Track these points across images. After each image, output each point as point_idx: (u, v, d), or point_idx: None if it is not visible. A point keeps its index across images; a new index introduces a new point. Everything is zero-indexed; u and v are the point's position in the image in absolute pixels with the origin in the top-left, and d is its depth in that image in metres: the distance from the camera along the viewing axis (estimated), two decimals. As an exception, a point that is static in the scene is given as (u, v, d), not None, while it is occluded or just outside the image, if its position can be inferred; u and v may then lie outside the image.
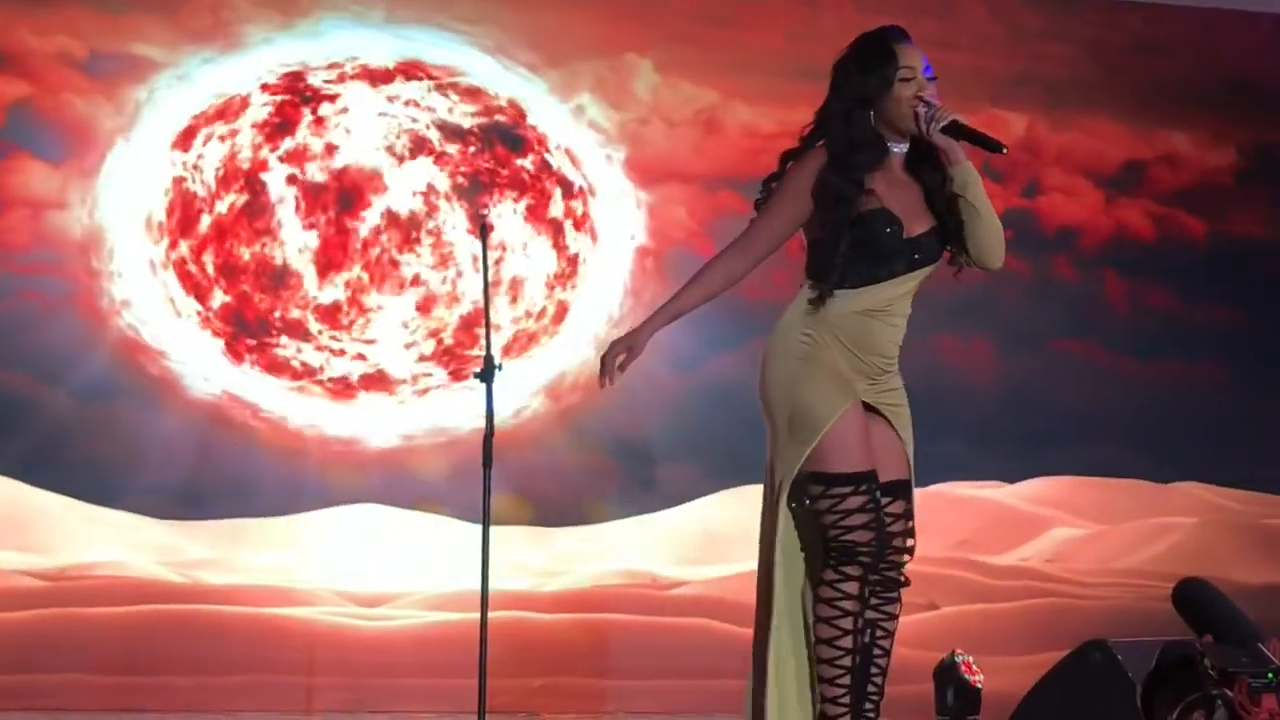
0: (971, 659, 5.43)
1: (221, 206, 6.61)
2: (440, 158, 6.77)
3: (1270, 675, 3.69)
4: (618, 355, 4.18)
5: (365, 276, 6.69)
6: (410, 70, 6.78)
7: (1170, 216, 7.31)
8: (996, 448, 6.95)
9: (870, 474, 4.09)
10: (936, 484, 6.89)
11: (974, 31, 7.15)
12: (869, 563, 4.09)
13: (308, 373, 6.64)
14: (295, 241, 6.65)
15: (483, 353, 5.09)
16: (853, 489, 4.08)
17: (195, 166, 6.60)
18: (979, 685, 5.37)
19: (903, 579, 4.16)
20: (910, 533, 4.19)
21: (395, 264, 6.70)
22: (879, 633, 4.14)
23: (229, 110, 6.62)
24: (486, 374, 5.07)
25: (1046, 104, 7.22)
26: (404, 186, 6.75)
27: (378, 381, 6.69)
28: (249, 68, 6.64)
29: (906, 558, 4.18)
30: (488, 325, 5.16)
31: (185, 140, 6.60)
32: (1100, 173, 7.27)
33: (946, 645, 5.50)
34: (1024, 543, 7.07)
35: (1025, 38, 7.23)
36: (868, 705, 4.12)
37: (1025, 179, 7.24)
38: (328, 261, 6.66)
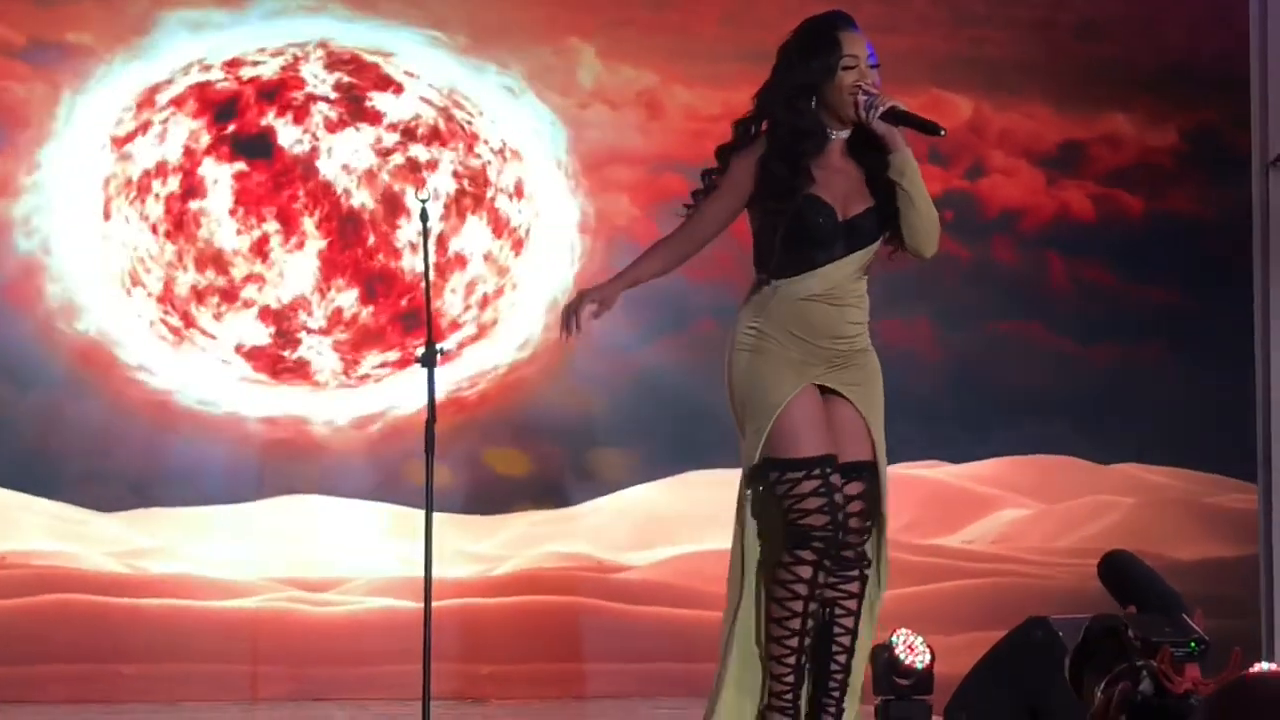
0: (918, 639, 5.46)
1: (161, 191, 6.58)
2: (378, 142, 6.75)
3: (1192, 645, 3.74)
4: (589, 306, 4.20)
5: (312, 260, 6.67)
6: (341, 56, 6.75)
7: (1110, 196, 7.34)
8: (939, 429, 6.97)
9: (824, 458, 4.12)
10: (897, 463, 6.93)
11: (916, 14, 7.17)
12: (822, 548, 4.11)
13: (250, 359, 6.62)
14: (236, 226, 6.62)
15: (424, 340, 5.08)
16: (805, 474, 4.11)
17: (133, 154, 6.57)
18: (915, 665, 5.39)
19: (858, 557, 4.19)
20: (866, 514, 4.22)
21: (345, 248, 6.68)
22: (839, 611, 4.18)
23: (165, 97, 6.59)
24: (428, 359, 5.07)
25: (989, 86, 7.25)
26: (343, 172, 6.72)
27: (319, 368, 6.67)
28: (183, 54, 6.60)
29: (865, 538, 4.21)
30: (429, 310, 5.15)
31: (123, 126, 6.56)
32: (1041, 154, 7.30)
33: (891, 627, 5.52)
34: (969, 523, 7.11)
35: (968, 21, 7.25)
36: (831, 684, 4.15)
37: (968, 161, 7.27)
38: (272, 245, 6.64)
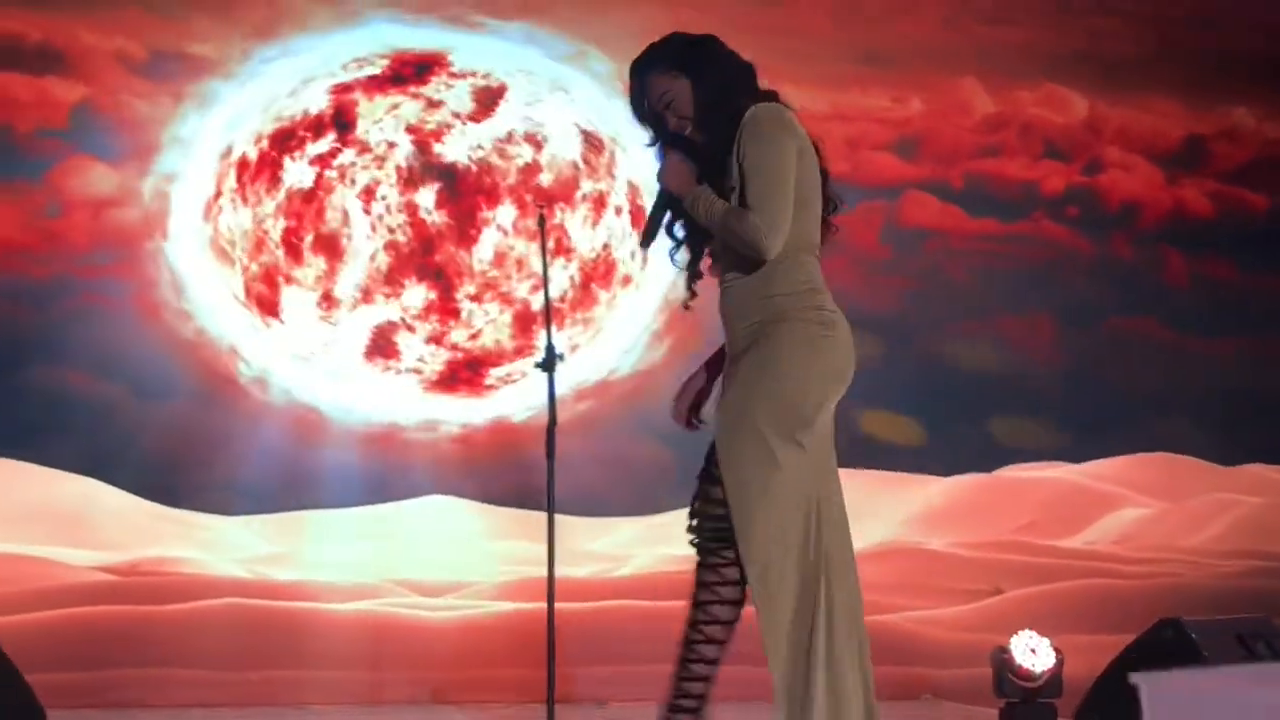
0: (1043, 641, 5.41)
1: (282, 201, 6.64)
2: (502, 154, 6.78)
3: None
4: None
5: (433, 271, 6.71)
6: (443, 63, 6.79)
7: (1230, 192, 7.25)
8: (1059, 428, 6.91)
9: (709, 451, 4.14)
10: (1000, 467, 6.87)
11: (1028, 6, 7.11)
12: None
13: (375, 364, 6.67)
14: (360, 235, 6.68)
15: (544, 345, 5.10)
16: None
17: (254, 164, 6.63)
18: (1037, 669, 5.35)
19: (702, 544, 4.10)
20: (696, 495, 4.13)
21: (470, 256, 6.72)
22: (701, 604, 4.15)
23: (287, 108, 6.65)
24: (548, 363, 5.09)
25: (1104, 80, 7.18)
26: (464, 180, 6.76)
27: (442, 372, 6.71)
28: (304, 64, 6.67)
29: (694, 522, 4.13)
30: (548, 315, 5.17)
31: (246, 136, 6.63)
32: (1160, 149, 7.22)
33: (1012, 630, 5.48)
34: (1090, 524, 7.04)
35: (1080, 13, 7.18)
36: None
37: (1085, 157, 7.20)
38: (395, 253, 6.69)
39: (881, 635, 6.53)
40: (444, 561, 6.66)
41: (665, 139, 4.12)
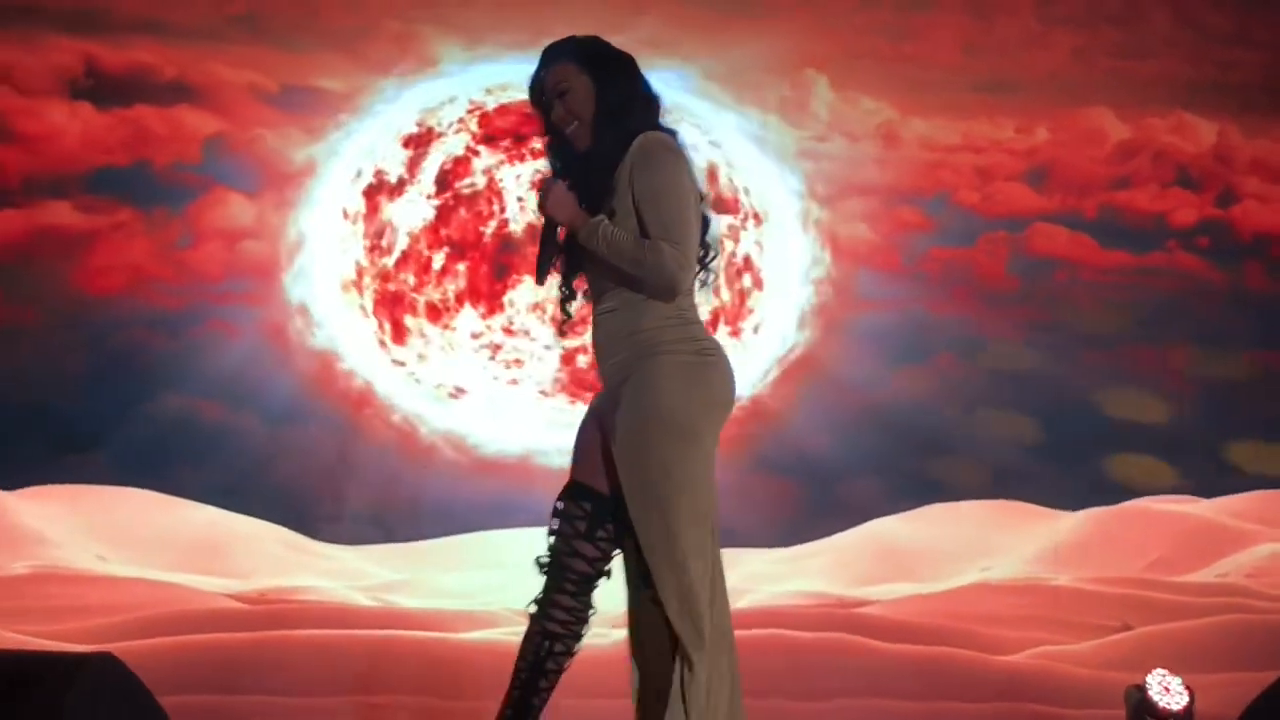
0: (1175, 680, 5.31)
1: (414, 230, 6.70)
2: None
3: None
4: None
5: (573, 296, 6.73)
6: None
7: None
8: (1189, 461, 6.79)
9: (569, 485, 4.06)
10: (1128, 501, 6.77)
11: (1159, 39, 7.02)
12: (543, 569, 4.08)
13: (496, 391, 6.70)
14: (482, 261, 6.72)
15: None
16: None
17: (386, 195, 6.70)
18: (1173, 708, 5.25)
19: (565, 590, 4.05)
20: (563, 533, 4.05)
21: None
22: (555, 647, 4.09)
23: (418, 138, 6.71)
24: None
25: (1237, 110, 7.06)
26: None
27: (563, 402, 6.72)
28: (431, 95, 6.73)
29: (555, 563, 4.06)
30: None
31: (375, 168, 6.70)
32: (1296, 178, 7.09)
33: (1141, 667, 5.38)
34: (1222, 558, 6.90)
35: (1213, 42, 7.08)
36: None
37: (1218, 187, 7.08)
38: (512, 281, 6.72)
39: (1011, 672, 6.44)
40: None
41: (549, 131, 4.08)
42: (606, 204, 3.93)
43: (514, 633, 6.61)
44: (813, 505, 6.73)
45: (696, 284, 4.04)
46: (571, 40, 4.10)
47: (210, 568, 6.54)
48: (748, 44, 6.84)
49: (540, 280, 4.02)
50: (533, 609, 4.06)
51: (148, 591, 6.44)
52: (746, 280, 6.85)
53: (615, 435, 3.88)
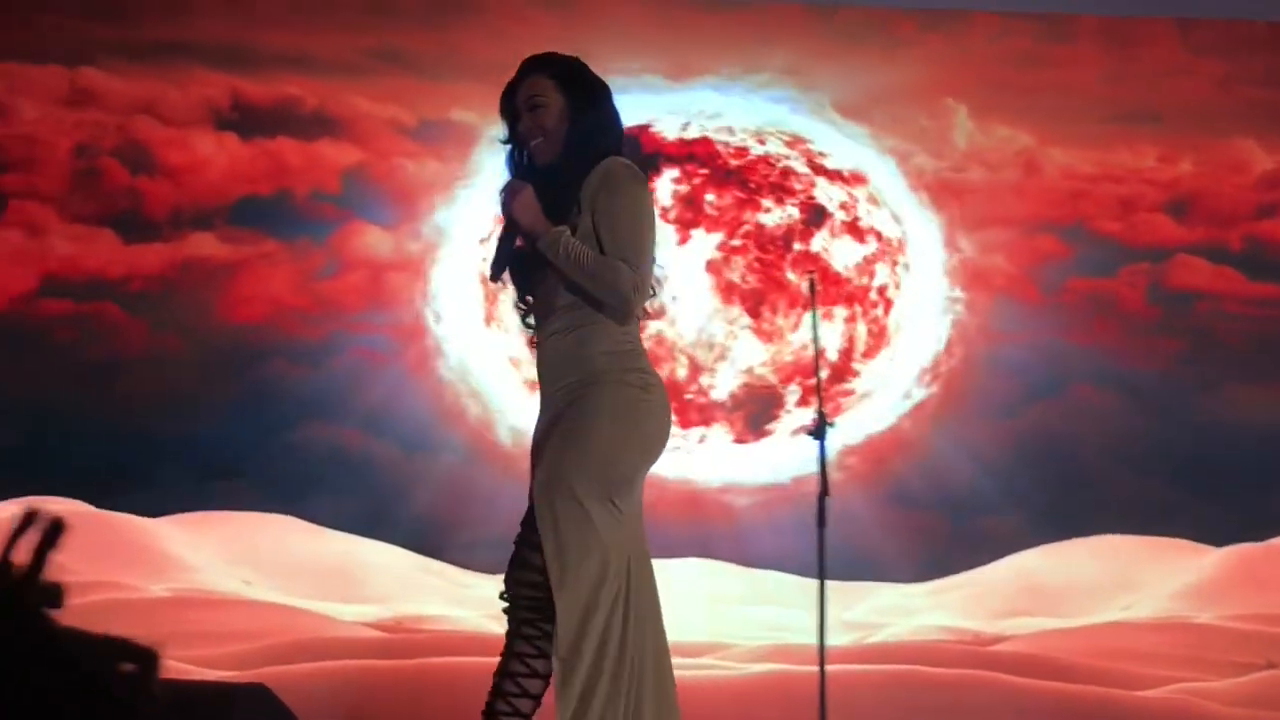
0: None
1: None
2: (767, 211, 6.80)
3: None
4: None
5: (718, 326, 6.74)
6: (715, 126, 6.83)
7: None
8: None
9: (526, 513, 4.04)
10: (1275, 539, 6.64)
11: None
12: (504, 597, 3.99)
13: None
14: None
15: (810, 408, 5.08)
16: None
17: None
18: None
19: (515, 613, 4.01)
20: (513, 561, 4.01)
21: (743, 313, 6.74)
22: (510, 674, 4.05)
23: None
24: (819, 432, 5.06)
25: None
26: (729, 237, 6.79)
27: (709, 433, 6.72)
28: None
29: (508, 591, 4.02)
30: (819, 382, 5.14)
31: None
32: None
33: (1286, 704, 5.28)
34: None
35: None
36: None
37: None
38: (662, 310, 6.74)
39: (1152, 708, 6.34)
40: (702, 623, 6.66)
41: (510, 140, 4.05)
42: (565, 222, 3.90)
43: (648, 663, 6.60)
44: (950, 538, 6.67)
45: (641, 321, 4.07)
46: (553, 56, 4.14)
47: (348, 594, 6.60)
48: (884, 73, 6.82)
49: (495, 276, 4.06)
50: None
51: (288, 618, 6.51)
52: (882, 311, 6.82)
53: (542, 455, 3.87)
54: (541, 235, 3.96)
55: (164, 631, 6.35)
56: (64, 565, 6.06)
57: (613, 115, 4.11)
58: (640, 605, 4.00)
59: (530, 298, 4.10)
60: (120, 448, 6.45)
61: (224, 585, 6.51)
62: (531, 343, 4.18)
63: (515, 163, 4.08)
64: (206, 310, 6.58)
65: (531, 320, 4.13)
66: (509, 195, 3.99)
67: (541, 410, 4.08)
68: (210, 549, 6.53)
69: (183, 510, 6.50)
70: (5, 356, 6.47)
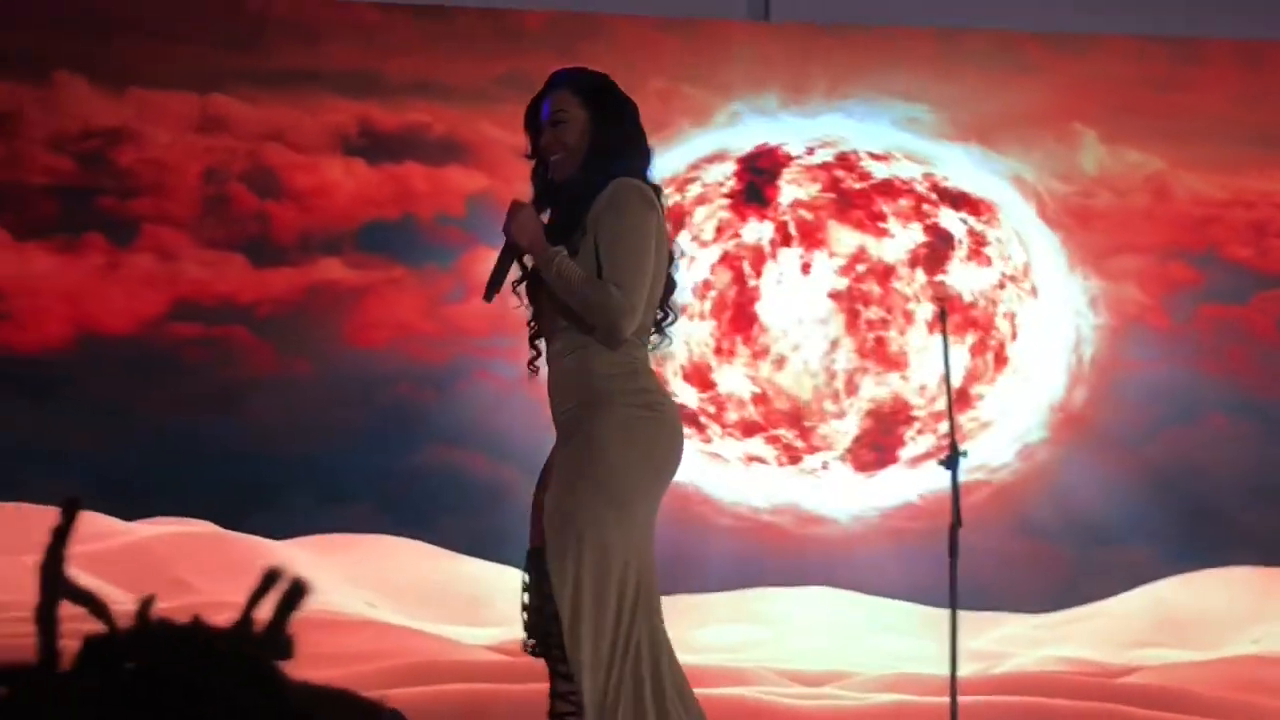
0: None
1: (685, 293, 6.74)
2: (892, 232, 6.77)
3: None
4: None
5: (844, 355, 6.71)
6: (842, 156, 6.81)
7: None
8: None
9: (530, 550, 3.98)
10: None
11: None
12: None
13: (764, 446, 6.69)
14: (777, 322, 6.73)
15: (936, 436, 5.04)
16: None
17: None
18: None
19: (546, 655, 3.93)
20: (528, 608, 3.94)
21: (880, 340, 6.70)
22: (559, 715, 3.98)
23: (683, 202, 6.76)
24: (951, 461, 5.03)
25: None
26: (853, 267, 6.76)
27: (826, 459, 6.69)
28: (691, 153, 6.77)
29: (531, 640, 3.95)
30: (950, 412, 5.11)
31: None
32: None
33: None
34: None
35: None
36: None
37: None
38: (788, 339, 6.72)
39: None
40: (823, 651, 6.62)
41: (534, 155, 4.01)
42: (572, 240, 3.85)
43: (769, 691, 6.60)
44: (1077, 568, 6.59)
45: (649, 343, 4.03)
46: (579, 71, 4.12)
47: (471, 618, 6.63)
48: (1011, 97, 6.76)
49: (489, 296, 4.06)
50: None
51: (410, 640, 6.56)
52: (1010, 338, 6.75)
53: (549, 486, 3.84)
54: (537, 255, 3.94)
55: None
56: (192, 585, 6.15)
57: (637, 136, 4.08)
58: (654, 626, 4.00)
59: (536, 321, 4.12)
60: (248, 470, 6.53)
61: (348, 607, 6.56)
62: (530, 364, 4.19)
63: (540, 178, 4.08)
64: (333, 334, 6.65)
65: (541, 344, 4.14)
66: (508, 217, 3.99)
67: (558, 434, 4.09)
68: (334, 571, 6.59)
69: (308, 533, 6.57)
70: (136, 379, 6.57)
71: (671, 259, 4.08)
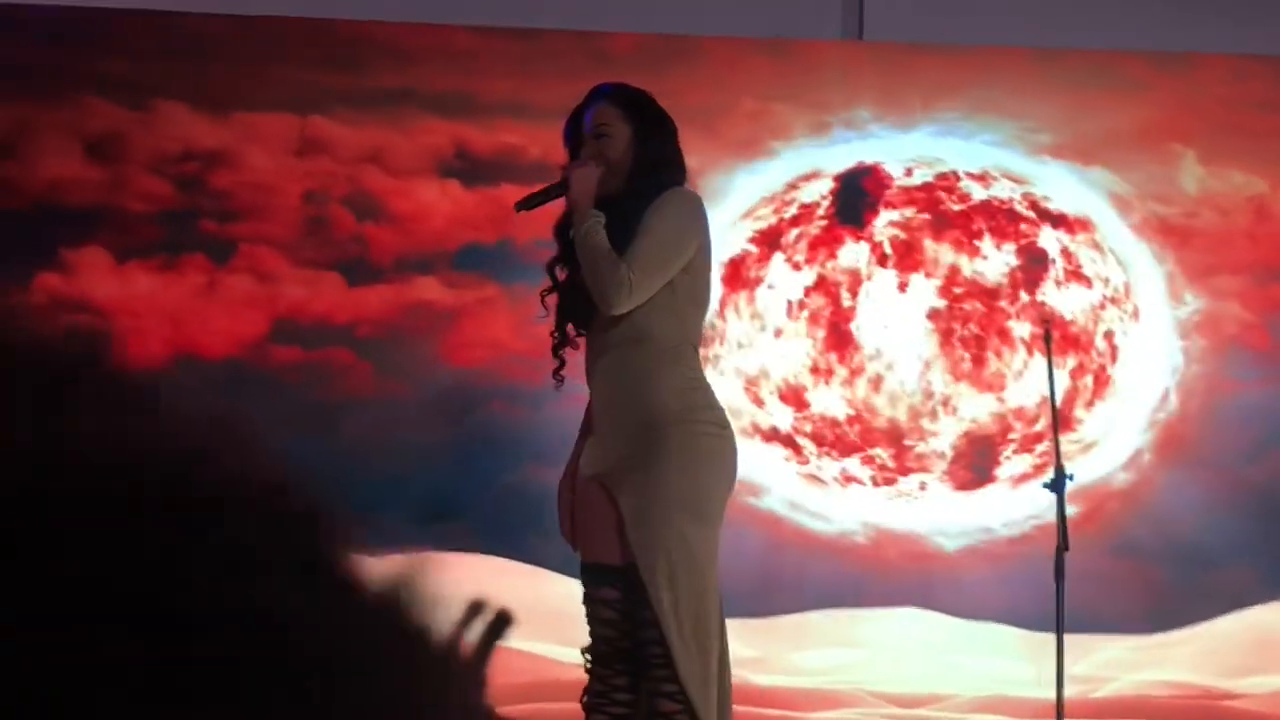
0: None
1: (766, 307, 6.74)
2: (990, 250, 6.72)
3: None
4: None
5: (935, 374, 6.68)
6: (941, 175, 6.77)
7: None
8: None
9: (589, 568, 3.94)
10: None
11: None
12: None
13: (861, 466, 6.66)
14: (862, 340, 6.71)
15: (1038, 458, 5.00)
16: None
17: (759, 270, 6.75)
18: None
19: (599, 675, 3.90)
20: (600, 621, 3.92)
21: (977, 360, 6.66)
22: None
23: (764, 216, 6.75)
24: (1057, 484, 4.98)
25: None
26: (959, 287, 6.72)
27: (924, 480, 6.65)
28: (782, 176, 6.76)
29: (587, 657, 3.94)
30: (1056, 435, 5.06)
31: (724, 248, 6.76)
32: None
33: None
34: None
35: None
36: None
37: None
38: (895, 360, 6.69)
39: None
40: (919, 673, 6.57)
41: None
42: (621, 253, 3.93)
43: (865, 714, 6.55)
44: (1178, 590, 6.50)
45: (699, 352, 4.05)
46: (623, 87, 4.15)
47: (567, 638, 6.63)
48: (1108, 117, 6.71)
49: (517, 208, 4.09)
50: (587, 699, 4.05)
51: (507, 660, 6.53)
52: (1110, 359, 6.69)
53: (626, 509, 3.84)
54: (579, 211, 3.97)
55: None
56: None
57: (678, 153, 4.12)
58: (725, 642, 4.04)
59: (569, 326, 4.12)
60: (345, 489, 6.56)
61: (443, 628, 6.58)
62: (555, 374, 4.21)
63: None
64: (430, 354, 6.69)
65: (563, 353, 4.16)
66: (578, 165, 4.03)
67: (594, 444, 4.07)
68: (429, 591, 6.61)
69: (402, 551, 6.59)
70: (236, 399, 6.63)
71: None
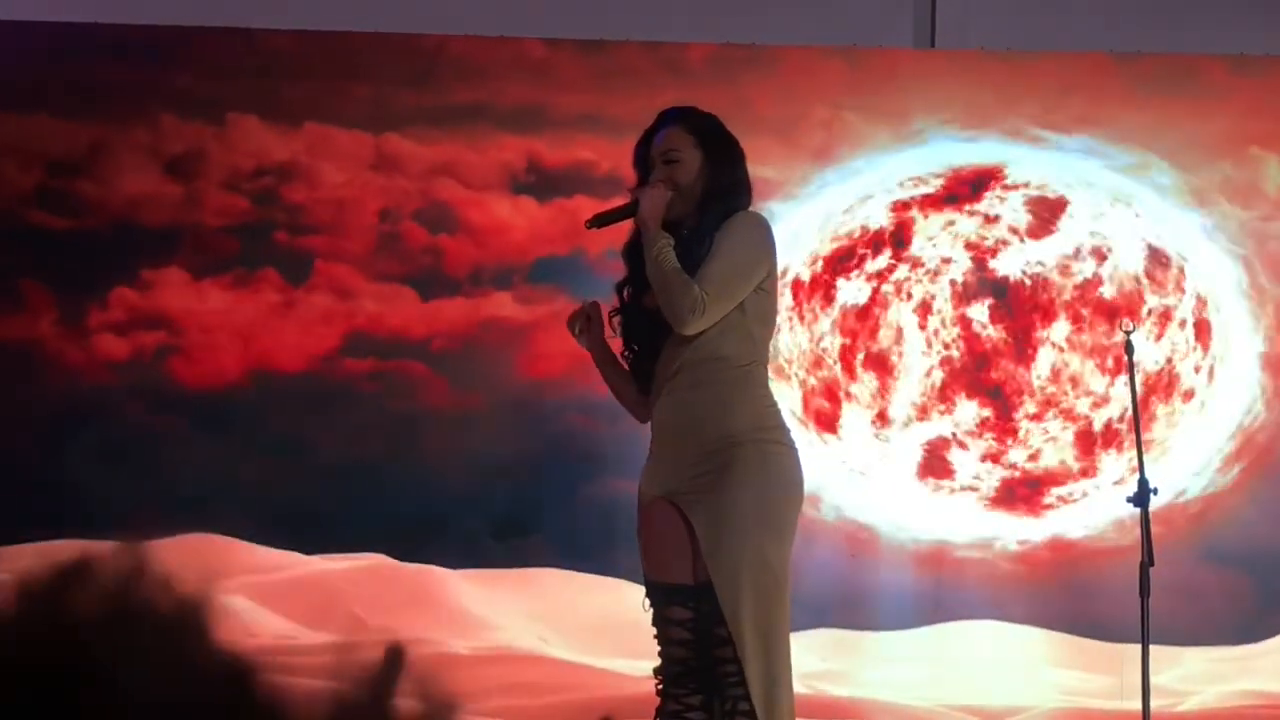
0: None
1: (837, 318, 6.70)
2: (1063, 270, 6.67)
3: None
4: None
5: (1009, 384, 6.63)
6: (999, 177, 6.71)
7: None
8: None
9: (662, 589, 3.96)
10: None
11: None
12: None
13: (926, 482, 6.62)
14: (914, 351, 6.66)
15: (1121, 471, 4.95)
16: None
17: (808, 283, 6.72)
18: None
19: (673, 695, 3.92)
20: (672, 642, 3.95)
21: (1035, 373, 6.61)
22: None
23: (843, 224, 6.72)
24: (1142, 498, 4.94)
25: None
26: (1018, 296, 6.67)
27: (999, 493, 6.60)
28: (860, 184, 6.73)
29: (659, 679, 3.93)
30: (1139, 446, 5.01)
31: (799, 257, 6.73)
32: None
33: None
34: None
35: None
36: None
37: None
38: (949, 369, 6.64)
39: None
40: (997, 686, 6.51)
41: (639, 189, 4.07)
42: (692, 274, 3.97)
43: (946, 726, 6.48)
44: (1264, 600, 6.42)
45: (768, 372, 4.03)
46: (694, 111, 4.17)
47: (648, 652, 6.61)
48: (1185, 123, 6.64)
49: (588, 225, 4.10)
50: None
51: (583, 675, 6.55)
52: (1194, 368, 6.61)
53: (701, 529, 3.86)
54: (649, 232, 3.99)
55: (464, 689, 6.44)
56: (364, 620, 6.21)
57: (746, 177, 4.15)
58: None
59: (636, 346, 4.15)
60: (421, 502, 6.58)
61: (521, 642, 6.58)
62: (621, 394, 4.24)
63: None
64: (505, 367, 6.69)
65: (643, 367, 4.19)
66: (648, 187, 4.05)
67: (660, 462, 4.08)
68: (507, 605, 6.61)
69: (479, 565, 6.60)
70: (311, 413, 6.66)
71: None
